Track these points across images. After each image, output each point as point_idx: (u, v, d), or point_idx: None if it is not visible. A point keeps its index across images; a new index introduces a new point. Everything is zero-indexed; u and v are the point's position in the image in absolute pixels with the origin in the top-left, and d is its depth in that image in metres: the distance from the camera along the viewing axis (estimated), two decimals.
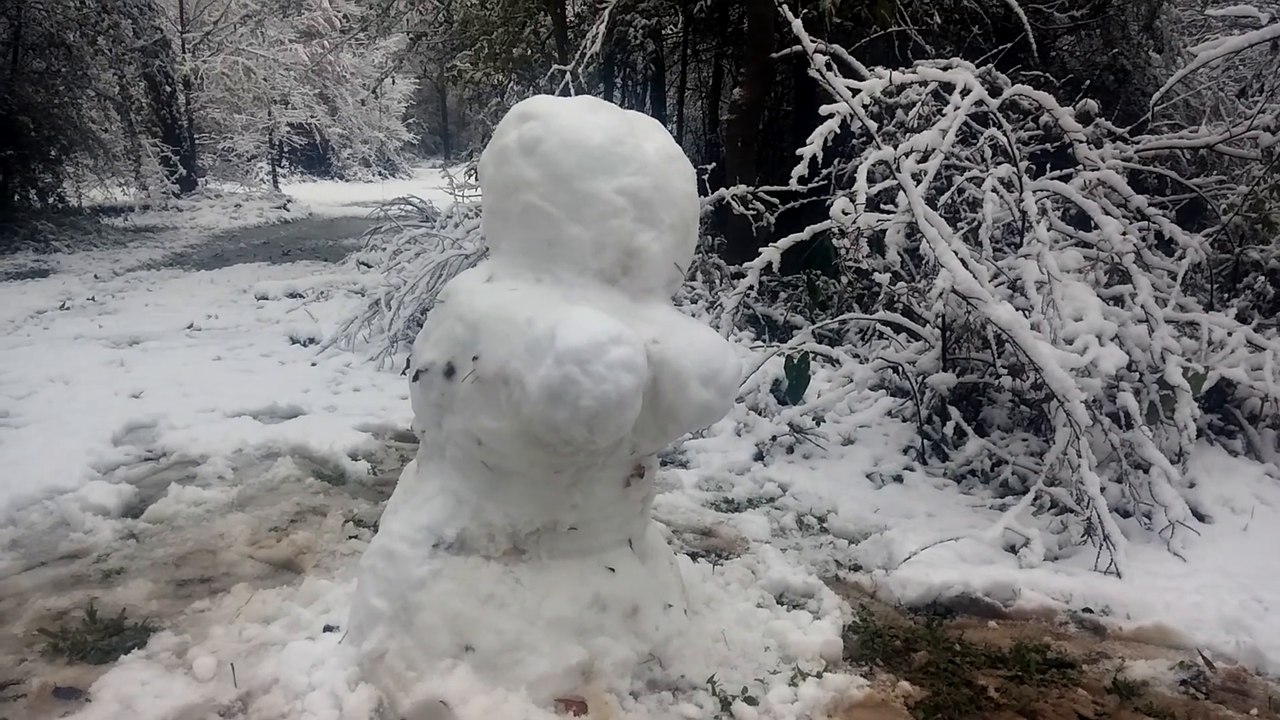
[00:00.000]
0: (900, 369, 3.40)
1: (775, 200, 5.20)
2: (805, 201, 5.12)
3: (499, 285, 1.88)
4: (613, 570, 1.93)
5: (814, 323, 4.63)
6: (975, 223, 3.22)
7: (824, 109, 2.94)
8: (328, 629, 2.07)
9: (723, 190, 5.25)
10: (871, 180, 3.06)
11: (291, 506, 2.95)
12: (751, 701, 1.91)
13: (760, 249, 5.43)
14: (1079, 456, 2.64)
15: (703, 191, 5.37)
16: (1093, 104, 4.96)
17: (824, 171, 5.40)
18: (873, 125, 2.93)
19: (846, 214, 2.73)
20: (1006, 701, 2.00)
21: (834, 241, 3.32)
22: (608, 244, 1.83)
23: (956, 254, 2.75)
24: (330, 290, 7.01)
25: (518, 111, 1.90)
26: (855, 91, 2.92)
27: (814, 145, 2.89)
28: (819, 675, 2.01)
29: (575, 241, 1.83)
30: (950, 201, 3.43)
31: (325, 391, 4.31)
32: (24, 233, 11.74)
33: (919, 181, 2.90)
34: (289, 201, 17.24)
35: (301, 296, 6.99)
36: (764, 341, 5.00)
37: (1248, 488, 2.94)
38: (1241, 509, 2.86)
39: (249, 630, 2.11)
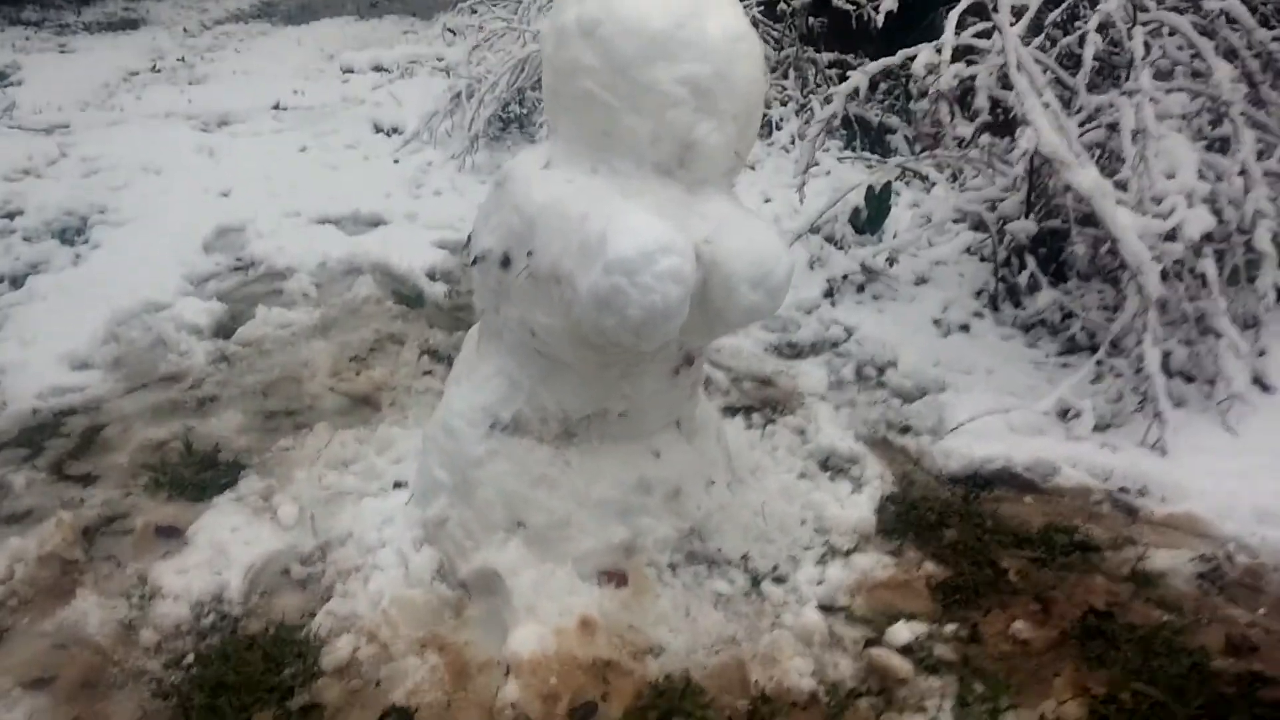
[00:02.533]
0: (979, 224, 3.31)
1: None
2: None
3: (555, 174, 1.88)
4: (658, 455, 2.04)
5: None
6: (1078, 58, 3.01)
7: None
8: (397, 485, 2.26)
9: None
10: (964, 24, 2.84)
11: (371, 333, 3.11)
12: (780, 580, 2.06)
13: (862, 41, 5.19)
14: (1144, 329, 2.60)
15: None
16: None
17: None
18: None
19: (929, 73, 2.58)
20: (1024, 586, 2.11)
21: (912, 105, 3.15)
22: (665, 135, 1.80)
23: (1048, 106, 2.60)
24: (415, 66, 6.90)
25: None
26: None
27: None
28: (847, 554, 2.14)
29: (632, 132, 1.81)
30: (1058, 31, 3.18)
31: (406, 195, 4.39)
32: None
33: (1018, 18, 2.71)
34: None
35: (387, 71, 6.92)
36: (853, 150, 4.85)
37: None
38: None
39: (328, 477, 2.32)
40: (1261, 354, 2.86)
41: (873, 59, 3.33)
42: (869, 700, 1.78)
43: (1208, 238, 2.73)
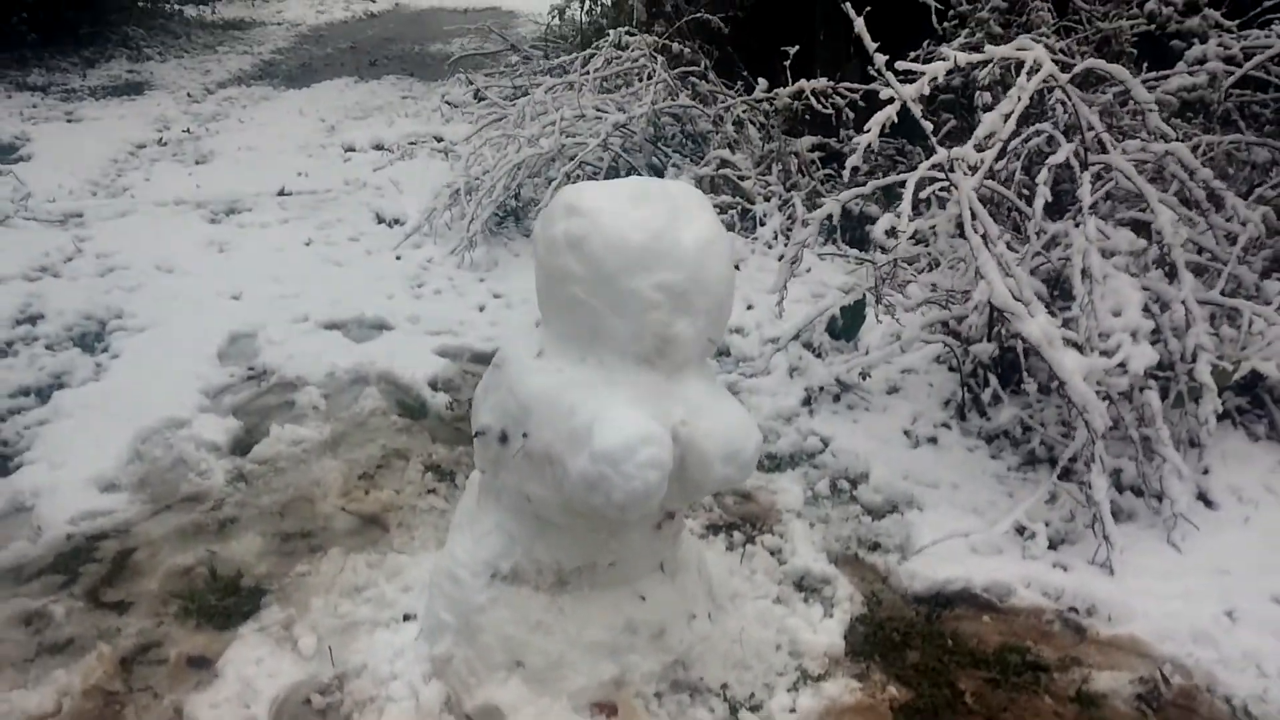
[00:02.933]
0: (948, 326, 3.55)
1: (857, 97, 5.16)
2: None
3: (548, 364, 2.12)
4: (644, 598, 2.26)
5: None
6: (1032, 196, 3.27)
7: (883, 94, 2.98)
8: (406, 617, 2.47)
9: (803, 83, 5.21)
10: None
11: (378, 449, 3.32)
12: (755, 709, 2.27)
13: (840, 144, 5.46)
14: (1093, 459, 2.83)
15: (783, 63, 5.34)
16: None
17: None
18: (928, 126, 2.97)
19: (890, 234, 2.84)
20: (978, 707, 2.33)
21: (874, 260, 3.41)
22: (645, 333, 2.04)
23: (999, 259, 2.85)
24: (415, 146, 7.17)
25: (565, 203, 2.07)
26: (913, 78, 2.94)
27: (871, 134, 2.95)
28: (818, 679, 2.36)
29: (616, 331, 2.04)
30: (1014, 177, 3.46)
31: (408, 295, 4.62)
32: (116, 39, 12.01)
33: (974, 171, 2.97)
34: None
35: (388, 151, 7.19)
36: (835, 244, 5.11)
37: (1260, 477, 3.11)
38: (1249, 499, 3.04)
39: (343, 606, 2.53)
40: (1205, 472, 3.10)
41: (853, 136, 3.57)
42: None
43: (1152, 371, 2.98)
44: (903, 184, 3.20)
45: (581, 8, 9.97)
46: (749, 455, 2.10)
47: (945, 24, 5.30)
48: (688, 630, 2.33)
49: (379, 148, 7.37)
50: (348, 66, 11.33)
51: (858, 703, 2.31)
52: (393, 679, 2.29)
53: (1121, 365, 2.91)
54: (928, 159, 2.97)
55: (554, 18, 10.25)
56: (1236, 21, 4.87)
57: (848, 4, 2.93)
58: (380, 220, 5.69)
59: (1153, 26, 5.05)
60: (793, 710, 2.27)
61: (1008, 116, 3.03)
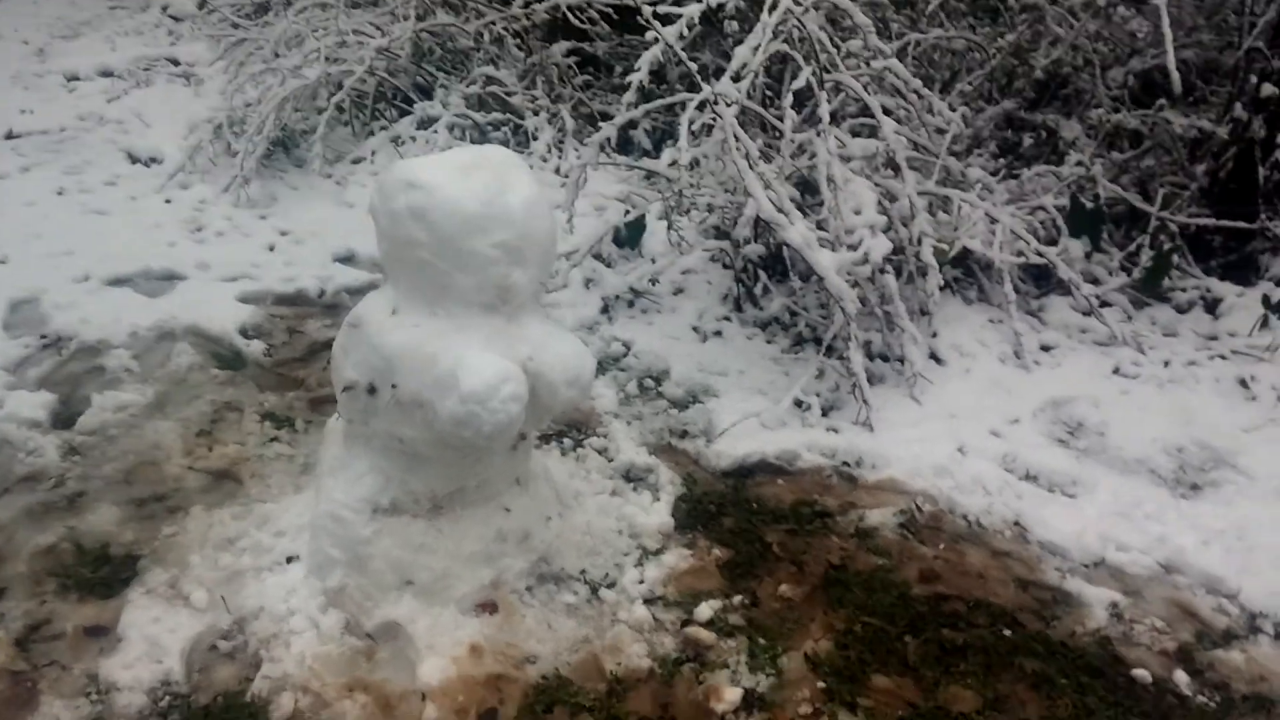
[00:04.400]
0: (719, 230, 4.03)
1: (613, 11, 5.46)
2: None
3: (404, 319, 2.39)
4: (508, 510, 2.63)
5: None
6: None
7: (648, 35, 3.32)
8: (289, 559, 2.71)
9: None
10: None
11: (207, 405, 3.43)
12: (611, 585, 2.71)
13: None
14: (849, 338, 3.42)
15: None
16: None
17: None
18: (693, 66, 3.34)
19: (673, 166, 3.23)
20: (784, 554, 2.89)
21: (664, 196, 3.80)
22: (487, 285, 2.35)
23: (761, 176, 3.32)
24: (149, 72, 6.78)
25: (402, 179, 2.31)
26: (672, 21, 3.29)
27: (641, 73, 3.30)
28: (656, 553, 2.83)
29: (461, 285, 2.34)
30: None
31: (189, 241, 4.57)
32: None
33: (731, 105, 3.38)
34: None
35: (118, 78, 6.75)
36: (606, 154, 5.45)
37: (974, 334, 3.83)
38: (967, 353, 3.76)
39: (223, 559, 2.72)
40: (934, 335, 3.78)
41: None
42: (689, 666, 2.48)
43: (888, 256, 3.58)
44: (670, 107, 3.60)
45: None
46: (587, 378, 2.49)
47: None
48: (546, 530, 2.73)
49: (107, 74, 6.87)
50: None
51: (690, 567, 2.81)
52: (290, 615, 2.54)
53: (865, 256, 3.48)
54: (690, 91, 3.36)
55: None
56: None
57: None
58: (134, 160, 5.46)
59: None
60: (641, 581, 2.73)
61: (756, 49, 3.45)
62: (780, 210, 3.30)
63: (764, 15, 3.42)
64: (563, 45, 5.96)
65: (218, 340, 3.83)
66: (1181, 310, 4.04)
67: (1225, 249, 4.21)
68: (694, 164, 3.68)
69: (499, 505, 2.63)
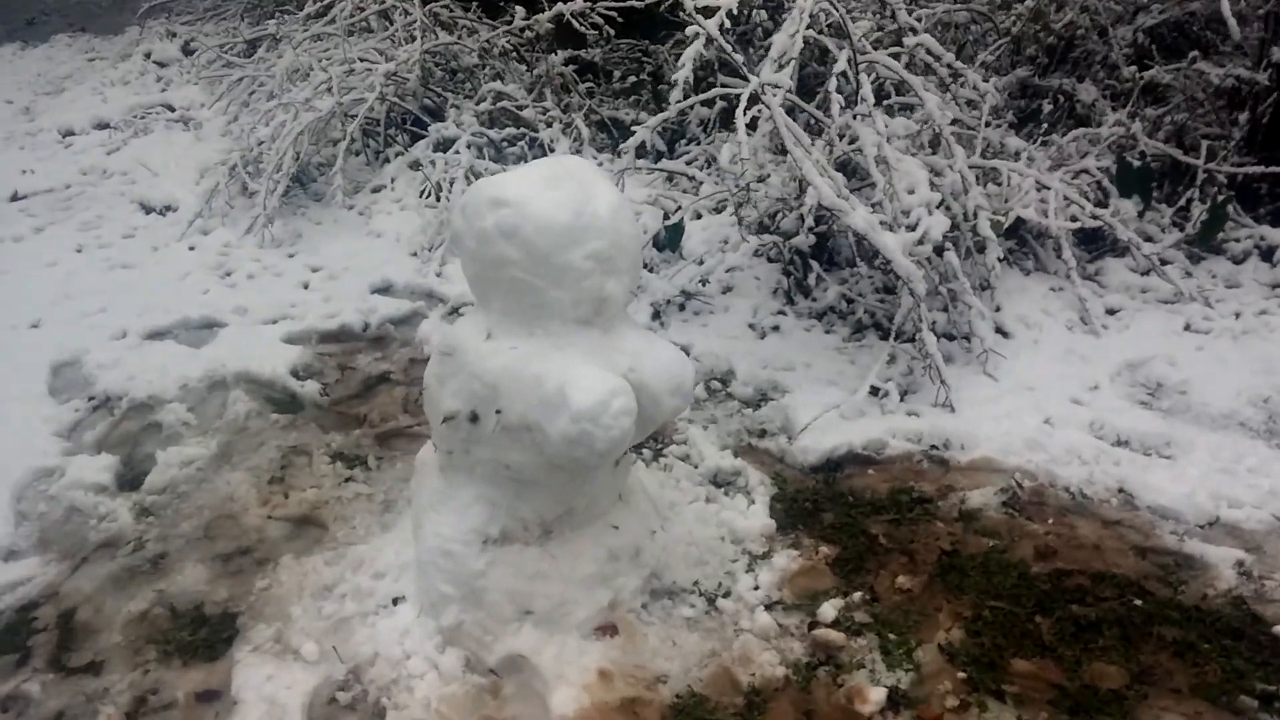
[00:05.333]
0: (763, 224, 3.97)
1: (615, 14, 5.41)
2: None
3: (500, 344, 2.32)
4: (617, 527, 2.56)
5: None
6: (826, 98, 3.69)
7: (688, 31, 3.25)
8: (395, 601, 2.63)
9: (561, 6, 5.38)
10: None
11: (274, 451, 3.35)
12: (727, 595, 2.64)
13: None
14: (920, 320, 3.36)
15: None
16: None
17: None
18: (739, 59, 3.28)
19: (734, 163, 3.17)
20: (891, 545, 2.82)
21: (729, 193, 3.73)
22: (583, 299, 2.29)
23: (817, 164, 3.26)
24: (145, 119, 6.69)
25: (489, 197, 2.25)
26: (711, 12, 3.23)
27: (685, 69, 3.24)
28: (764, 556, 2.77)
29: (557, 301, 2.28)
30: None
31: (222, 286, 4.50)
32: None
33: (779, 92, 3.32)
34: None
35: (114, 129, 6.67)
36: (611, 145, 5.41)
37: (1036, 304, 3.78)
38: (1034, 324, 3.71)
39: (325, 608, 2.65)
40: (998, 309, 3.73)
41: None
42: (824, 669, 2.42)
43: (945, 233, 3.52)
44: (704, 103, 3.54)
45: None
46: (689, 385, 2.42)
47: None
48: (653, 544, 2.66)
49: (102, 126, 6.79)
50: (1, 31, 10.09)
51: (801, 567, 2.74)
52: (407, 658, 2.47)
53: (924, 235, 3.42)
54: (737, 85, 3.30)
55: None
56: None
57: None
58: (148, 210, 5.38)
59: None
60: (756, 587, 2.66)
61: (794, 36, 3.39)
62: (842, 197, 3.23)
63: (799, 1, 3.35)
64: (561, 56, 5.90)
65: (270, 384, 3.75)
66: (1238, 261, 4.00)
67: (1273, 195, 4.16)
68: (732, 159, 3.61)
69: (606, 524, 2.56)
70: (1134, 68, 4.55)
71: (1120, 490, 2.95)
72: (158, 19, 9.02)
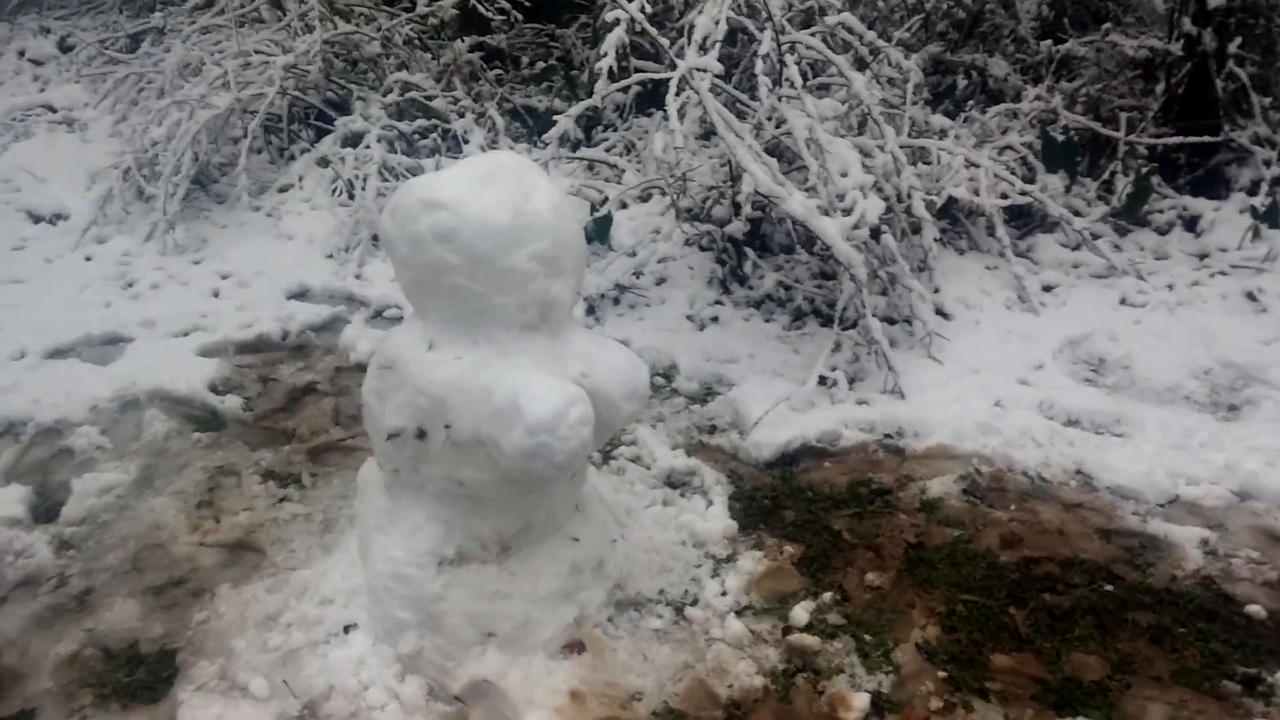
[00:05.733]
0: (692, 213, 3.88)
1: None
2: None
3: (444, 354, 2.19)
4: (576, 539, 2.44)
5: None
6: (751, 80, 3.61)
7: (609, 15, 3.14)
8: (347, 628, 2.47)
9: None
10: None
11: (200, 473, 3.14)
12: (694, 602, 2.55)
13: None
14: (863, 306, 3.32)
15: None
16: None
17: None
18: (665, 43, 3.18)
19: (665, 152, 3.06)
20: (856, 540, 2.77)
21: (664, 184, 3.62)
22: (529, 303, 2.18)
23: (750, 149, 3.18)
24: (25, 121, 6.26)
25: (421, 199, 2.10)
26: None
27: (608, 58, 3.12)
28: (729, 560, 2.69)
29: (502, 307, 2.16)
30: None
31: (124, 297, 4.21)
32: None
33: (706, 77, 3.23)
34: None
35: None
36: (526, 134, 5.27)
37: (974, 284, 3.79)
38: (973, 304, 3.71)
39: (271, 639, 2.47)
40: (936, 291, 3.72)
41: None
42: (803, 676, 2.35)
43: (881, 215, 3.49)
44: (624, 89, 3.43)
45: None
46: (645, 388, 2.33)
47: None
48: (614, 553, 2.55)
49: None
50: None
51: (768, 569, 2.67)
52: (365, 689, 2.31)
53: (861, 218, 3.38)
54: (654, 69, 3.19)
55: None
56: None
57: None
58: (36, 219, 5.02)
59: None
60: (724, 593, 2.58)
61: (717, 18, 3.31)
62: (777, 182, 3.16)
63: None
64: (467, 41, 5.72)
65: (188, 401, 3.52)
66: (1162, 232, 4.08)
67: (1191, 165, 4.25)
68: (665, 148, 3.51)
69: (565, 536, 2.44)
70: (1049, 41, 4.59)
71: (1078, 471, 2.96)
72: (28, 14, 8.48)
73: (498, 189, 2.13)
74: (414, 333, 2.26)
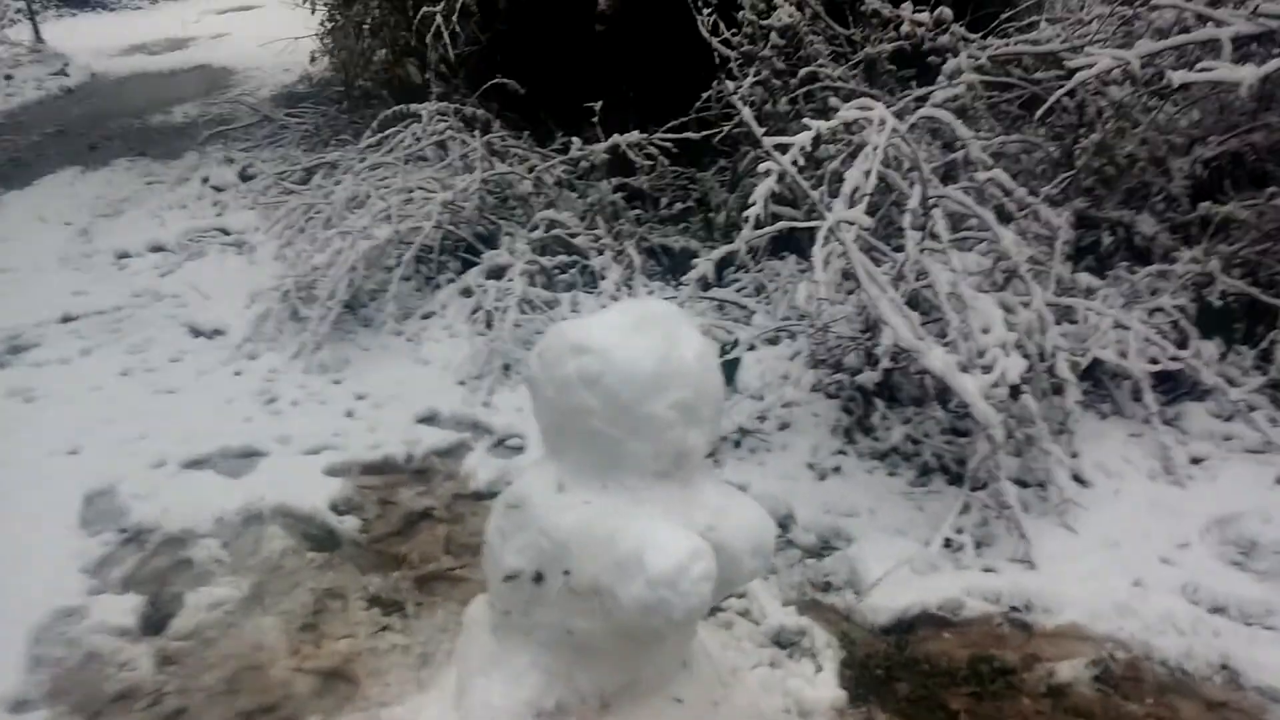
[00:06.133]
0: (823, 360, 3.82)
1: (670, 144, 5.43)
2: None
3: (572, 497, 2.16)
4: (680, 700, 2.34)
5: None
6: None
7: (761, 167, 3.18)
8: None
9: (617, 137, 5.40)
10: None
11: (308, 595, 3.18)
12: None
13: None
14: (998, 467, 3.15)
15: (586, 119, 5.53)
16: (948, 11, 5.35)
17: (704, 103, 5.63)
18: (814, 196, 3.20)
19: (810, 301, 3.05)
20: None
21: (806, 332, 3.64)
22: (664, 451, 2.14)
23: (893, 302, 3.12)
24: (199, 241, 6.75)
25: (571, 343, 2.12)
26: (785, 149, 3.16)
27: (757, 206, 3.14)
28: None
29: (637, 453, 2.13)
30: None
31: (265, 414, 4.39)
32: None
33: (854, 230, 3.21)
34: (66, 65, 15.17)
35: (169, 251, 6.73)
36: (661, 272, 5.34)
37: (1117, 450, 3.56)
38: (1114, 472, 3.48)
39: None
40: (1074, 455, 3.51)
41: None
42: None
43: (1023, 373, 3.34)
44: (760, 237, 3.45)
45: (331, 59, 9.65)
46: (771, 546, 2.25)
47: (732, 64, 5.61)
48: (717, 718, 2.42)
49: (157, 249, 6.84)
50: (65, 155, 10.27)
51: None
52: None
53: (1001, 377, 3.24)
54: (809, 218, 3.20)
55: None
56: (979, 34, 5.51)
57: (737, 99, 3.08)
58: (197, 334, 5.34)
59: (909, 46, 5.58)
60: None
61: (867, 173, 3.30)
62: (919, 338, 3.08)
63: (872, 136, 3.27)
64: (610, 184, 5.90)
65: (309, 519, 3.60)
66: None
67: None
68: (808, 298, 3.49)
69: (668, 696, 2.33)
70: (1209, 202, 4.41)
71: (1224, 666, 2.68)
72: (216, 145, 9.26)
73: (647, 337, 2.12)
74: (545, 474, 2.26)
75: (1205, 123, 5.45)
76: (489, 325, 4.84)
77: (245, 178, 8.29)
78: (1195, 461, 3.57)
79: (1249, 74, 3.19)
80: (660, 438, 2.09)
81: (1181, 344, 3.82)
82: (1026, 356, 3.41)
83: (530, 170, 5.66)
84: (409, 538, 3.53)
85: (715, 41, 5.44)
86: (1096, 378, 3.82)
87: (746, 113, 3.30)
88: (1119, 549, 3.15)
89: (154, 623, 3.11)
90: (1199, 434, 3.68)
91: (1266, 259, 4.33)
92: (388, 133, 6.10)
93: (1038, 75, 5.34)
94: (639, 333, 2.10)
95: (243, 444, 4.12)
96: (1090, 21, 5.45)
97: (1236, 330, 3.95)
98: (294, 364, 4.81)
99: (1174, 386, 3.90)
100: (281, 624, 3.05)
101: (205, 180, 8.38)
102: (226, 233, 6.92)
